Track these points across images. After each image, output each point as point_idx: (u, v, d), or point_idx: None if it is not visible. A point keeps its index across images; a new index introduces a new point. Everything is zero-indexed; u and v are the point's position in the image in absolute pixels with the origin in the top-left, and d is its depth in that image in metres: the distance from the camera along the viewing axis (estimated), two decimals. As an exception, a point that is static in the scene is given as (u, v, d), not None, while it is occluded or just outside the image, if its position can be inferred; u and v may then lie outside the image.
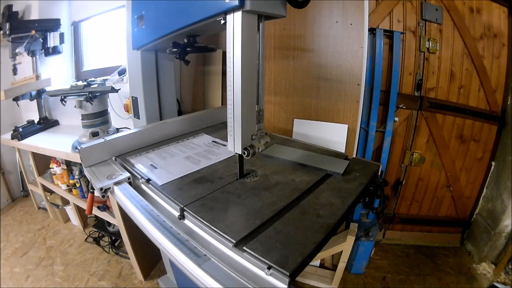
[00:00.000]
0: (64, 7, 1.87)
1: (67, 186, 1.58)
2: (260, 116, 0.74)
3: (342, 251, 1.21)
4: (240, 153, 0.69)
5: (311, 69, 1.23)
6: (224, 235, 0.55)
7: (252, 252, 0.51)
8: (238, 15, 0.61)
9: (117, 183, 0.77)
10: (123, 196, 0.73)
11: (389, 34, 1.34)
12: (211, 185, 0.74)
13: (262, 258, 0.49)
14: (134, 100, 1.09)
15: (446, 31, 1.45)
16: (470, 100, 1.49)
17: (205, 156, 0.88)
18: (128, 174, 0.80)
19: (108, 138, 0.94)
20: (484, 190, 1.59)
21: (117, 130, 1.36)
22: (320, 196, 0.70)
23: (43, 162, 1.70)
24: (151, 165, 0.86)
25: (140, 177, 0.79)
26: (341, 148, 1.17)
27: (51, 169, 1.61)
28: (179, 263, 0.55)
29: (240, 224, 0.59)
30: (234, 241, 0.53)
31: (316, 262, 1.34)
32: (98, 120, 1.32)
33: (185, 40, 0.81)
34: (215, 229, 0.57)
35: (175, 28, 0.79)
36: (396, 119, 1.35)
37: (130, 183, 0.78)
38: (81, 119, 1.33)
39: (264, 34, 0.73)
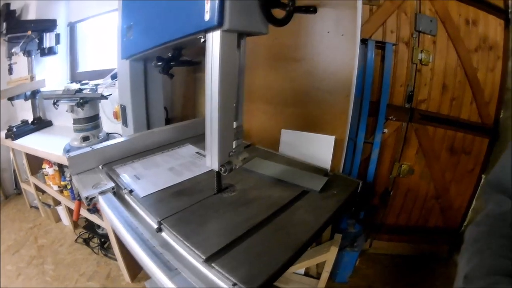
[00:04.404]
0: (61, 8, 1.91)
1: (59, 187, 1.63)
2: (238, 133, 0.78)
3: (326, 260, 1.25)
4: (217, 170, 0.72)
5: (301, 79, 1.26)
6: (195, 250, 0.59)
7: (219, 269, 0.54)
8: (217, 34, 0.64)
9: (102, 193, 0.81)
10: (106, 206, 0.78)
11: (381, 45, 1.37)
12: (191, 198, 0.78)
13: (228, 275, 0.53)
14: (123, 108, 1.13)
15: (440, 42, 1.47)
16: (462, 113, 1.51)
17: (188, 167, 0.92)
18: (112, 184, 0.84)
19: (95, 147, 0.98)
20: (474, 202, 1.62)
21: (108, 135, 1.40)
22: (295, 213, 0.74)
23: (36, 161, 1.74)
24: (134, 175, 0.90)
25: (123, 187, 0.83)
26: (328, 159, 1.20)
27: (44, 170, 1.66)
28: (152, 275, 0.59)
29: (213, 239, 0.63)
30: (204, 257, 0.57)
31: (301, 270, 1.38)
32: (89, 125, 1.36)
33: (169, 54, 0.84)
34: (187, 244, 0.61)
35: (159, 42, 0.83)
36: (385, 130, 1.38)
37: (114, 193, 0.83)
38: (73, 123, 1.37)
39: (245, 51, 0.76)
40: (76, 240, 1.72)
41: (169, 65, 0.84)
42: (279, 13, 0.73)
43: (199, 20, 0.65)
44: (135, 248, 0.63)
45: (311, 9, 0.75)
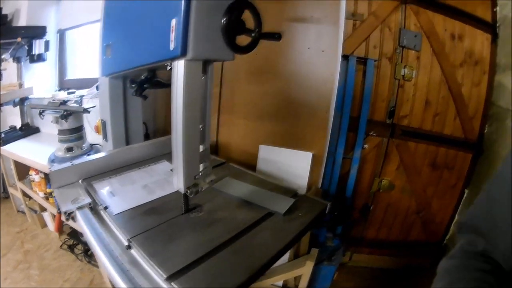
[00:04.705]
0: (51, 14, 1.95)
1: (44, 194, 1.67)
2: (205, 155, 0.82)
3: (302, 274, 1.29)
4: (183, 192, 0.76)
5: (281, 94, 1.29)
6: (158, 269, 0.63)
7: (178, 288, 0.59)
8: (181, 63, 0.67)
9: (79, 208, 0.86)
10: (82, 222, 0.83)
11: (363, 60, 1.39)
12: (160, 217, 0.83)
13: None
14: (103, 123, 1.17)
15: (424, 58, 1.50)
16: (445, 128, 1.54)
17: (161, 185, 0.96)
18: (90, 200, 0.88)
19: (76, 162, 1.03)
20: (456, 216, 1.64)
21: (91, 146, 1.45)
22: (257, 235, 0.78)
23: (23, 167, 1.79)
24: (111, 192, 0.95)
25: (99, 203, 0.87)
26: (305, 175, 1.24)
27: (30, 176, 1.71)
28: (119, 289, 0.64)
29: (176, 259, 0.67)
30: (166, 275, 0.61)
31: (279, 282, 1.41)
32: (73, 136, 1.40)
33: (143, 77, 0.88)
34: (151, 262, 0.65)
35: (132, 66, 0.87)
36: (366, 146, 1.41)
37: (91, 208, 0.87)
38: (58, 134, 1.42)
39: (212, 75, 0.80)
40: (61, 247, 1.77)
41: (142, 87, 0.88)
42: (246, 39, 0.76)
43: (166, 49, 0.69)
44: (106, 264, 0.68)
45: (276, 36, 0.77)
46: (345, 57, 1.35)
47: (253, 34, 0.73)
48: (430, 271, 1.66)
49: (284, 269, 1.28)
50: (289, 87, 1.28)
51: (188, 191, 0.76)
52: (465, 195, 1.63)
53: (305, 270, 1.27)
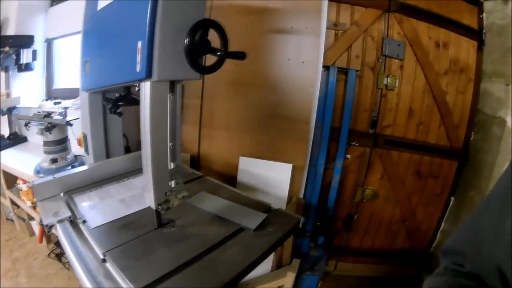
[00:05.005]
0: (39, 23, 1.98)
1: (32, 203, 1.71)
2: (177, 172, 0.85)
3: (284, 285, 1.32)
4: (155, 209, 0.80)
5: (262, 106, 1.32)
6: (129, 283, 0.67)
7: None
8: (147, 84, 0.70)
9: (60, 221, 0.89)
10: (61, 235, 0.87)
11: (345, 70, 1.42)
12: (134, 232, 0.86)
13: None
14: (85, 136, 1.20)
15: (408, 67, 1.52)
16: (430, 137, 1.56)
17: (137, 200, 0.99)
18: (70, 213, 0.92)
19: (57, 175, 1.07)
20: (442, 224, 1.67)
21: (76, 157, 1.48)
22: (226, 251, 0.81)
23: (11, 176, 1.83)
24: (89, 205, 0.98)
25: (78, 217, 0.91)
26: (286, 187, 1.27)
27: (18, 185, 1.75)
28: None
29: (146, 273, 0.70)
30: None
31: (262, 291, 1.45)
32: (58, 147, 1.44)
33: (117, 94, 0.91)
34: (123, 276, 0.68)
35: (106, 84, 0.90)
36: (348, 156, 1.44)
37: (71, 221, 0.90)
38: (43, 145, 1.45)
39: (180, 93, 0.83)
40: (48, 255, 1.81)
41: (116, 105, 0.91)
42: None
43: (133, 70, 0.71)
44: (81, 276, 0.71)
45: (239, 55, 0.78)
46: (326, 68, 1.38)
47: (218, 53, 0.74)
48: (418, 278, 1.68)
49: (266, 280, 1.31)
50: (269, 99, 1.31)
51: (159, 207, 0.80)
52: (451, 203, 1.66)
53: (287, 281, 1.30)
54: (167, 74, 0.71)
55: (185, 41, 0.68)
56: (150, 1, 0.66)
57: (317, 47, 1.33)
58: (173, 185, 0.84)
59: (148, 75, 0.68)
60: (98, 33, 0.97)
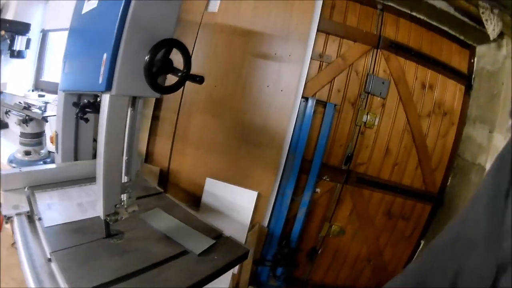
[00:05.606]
0: (38, 12, 2.07)
1: (2, 191, 1.77)
2: (130, 186, 0.89)
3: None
4: (103, 219, 0.85)
5: (235, 129, 1.37)
6: (67, 285, 0.70)
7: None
8: (107, 97, 0.74)
9: (18, 214, 0.95)
10: (17, 228, 0.92)
11: (324, 103, 1.46)
12: (83, 237, 0.90)
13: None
14: (57, 135, 1.26)
15: (390, 105, 1.56)
16: (405, 178, 1.59)
17: (93, 206, 1.03)
18: (28, 209, 0.96)
19: (24, 169, 1.12)
20: (410, 267, 1.69)
21: (49, 153, 1.55)
22: (165, 271, 0.84)
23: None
24: (48, 204, 1.04)
25: (35, 213, 0.96)
26: (249, 214, 1.31)
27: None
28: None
29: (85, 279, 0.74)
30: None
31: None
32: (33, 140, 1.50)
33: (85, 101, 0.97)
34: (64, 278, 0.72)
35: (73, 88, 0.95)
36: (318, 190, 1.46)
37: (29, 216, 0.95)
38: (19, 136, 1.52)
39: (141, 109, 0.87)
40: (12, 245, 1.86)
41: (84, 111, 0.97)
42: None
43: (96, 81, 0.73)
44: (25, 272, 0.75)
45: (197, 79, 0.78)
46: (306, 99, 1.41)
47: (179, 74, 0.75)
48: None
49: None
50: (243, 123, 1.35)
51: (108, 218, 0.84)
52: (420, 246, 1.68)
53: (238, 307, 1.33)
54: (127, 89, 0.74)
55: (146, 59, 0.69)
56: (119, 15, 0.68)
57: (298, 76, 1.38)
58: (124, 199, 0.89)
59: (108, 88, 0.71)
60: (78, 36, 1.01)
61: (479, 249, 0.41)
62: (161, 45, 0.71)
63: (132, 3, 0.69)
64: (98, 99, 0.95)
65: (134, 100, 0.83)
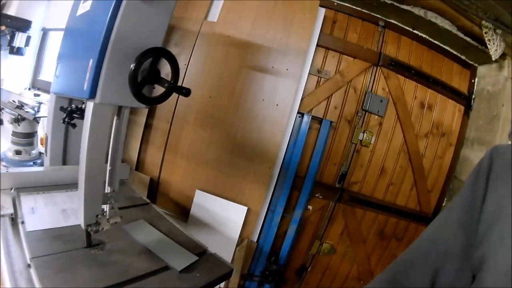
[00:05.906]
0: (40, 10, 2.08)
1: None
2: (113, 197, 0.88)
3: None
4: (84, 228, 0.83)
5: (227, 142, 1.35)
6: None
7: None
8: (91, 104, 0.73)
9: (2, 216, 0.93)
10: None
11: (320, 120, 1.44)
12: (64, 245, 0.89)
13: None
14: (47, 138, 1.26)
15: (387, 124, 1.55)
16: (399, 198, 1.58)
17: (76, 213, 1.02)
18: (12, 211, 0.96)
19: (11, 170, 1.12)
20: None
21: (40, 154, 1.54)
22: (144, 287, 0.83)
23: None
24: (32, 208, 1.03)
25: (19, 216, 0.95)
26: (237, 229, 1.29)
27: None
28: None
29: None
30: None
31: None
32: (25, 140, 1.50)
33: (73, 106, 0.96)
34: (40, 285, 0.71)
35: (62, 92, 0.94)
36: (310, 207, 1.44)
37: (12, 219, 0.95)
38: (11, 134, 1.51)
39: (127, 119, 0.85)
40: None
41: (71, 116, 0.96)
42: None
43: (81, 87, 0.72)
44: (4, 275, 0.74)
45: (184, 92, 0.74)
46: (301, 114, 1.40)
47: (166, 85, 0.72)
48: None
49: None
50: (236, 137, 1.34)
51: (88, 228, 0.83)
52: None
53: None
54: (111, 98, 0.72)
55: (130, 68, 0.66)
56: (107, 20, 0.67)
57: (294, 91, 1.37)
58: (107, 209, 0.88)
59: (92, 95, 0.69)
60: (71, 38, 1.01)
61: (453, 258, 0.44)
62: (147, 53, 0.69)
63: (122, 9, 0.68)
64: (83, 105, 0.93)
65: (119, 109, 0.82)
